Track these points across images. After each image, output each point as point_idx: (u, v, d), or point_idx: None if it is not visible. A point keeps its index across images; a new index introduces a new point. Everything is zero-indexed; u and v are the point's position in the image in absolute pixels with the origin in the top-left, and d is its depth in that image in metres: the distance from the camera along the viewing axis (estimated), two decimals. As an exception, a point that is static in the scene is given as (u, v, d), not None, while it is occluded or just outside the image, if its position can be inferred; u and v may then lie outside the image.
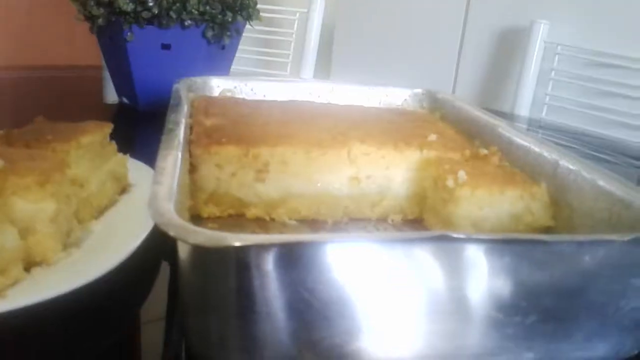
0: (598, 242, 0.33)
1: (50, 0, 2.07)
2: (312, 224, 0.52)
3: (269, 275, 0.28)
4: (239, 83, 0.71)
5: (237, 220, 0.52)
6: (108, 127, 0.48)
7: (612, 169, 0.87)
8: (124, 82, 0.88)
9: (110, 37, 0.83)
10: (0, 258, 0.33)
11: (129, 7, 0.78)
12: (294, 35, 1.68)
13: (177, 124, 0.47)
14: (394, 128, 0.59)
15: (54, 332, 0.35)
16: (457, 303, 0.32)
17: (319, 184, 0.52)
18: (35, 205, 0.37)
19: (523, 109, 1.43)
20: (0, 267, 0.33)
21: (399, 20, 1.76)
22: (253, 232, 0.50)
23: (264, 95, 0.71)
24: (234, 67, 1.53)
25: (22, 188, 0.37)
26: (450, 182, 0.48)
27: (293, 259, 0.28)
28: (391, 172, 0.54)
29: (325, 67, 1.92)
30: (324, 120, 0.59)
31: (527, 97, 1.43)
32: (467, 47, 1.65)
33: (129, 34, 0.80)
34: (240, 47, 1.60)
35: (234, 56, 0.94)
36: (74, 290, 0.34)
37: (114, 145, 0.50)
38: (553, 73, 1.43)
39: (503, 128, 0.58)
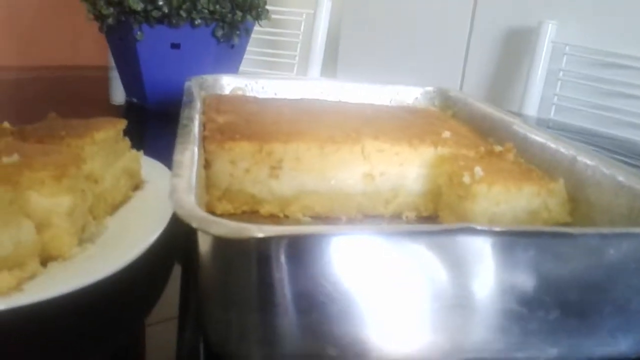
0: (623, 235, 0.32)
1: (55, 1, 2.08)
2: (326, 220, 0.52)
3: (292, 267, 0.27)
4: (250, 81, 0.71)
5: (250, 217, 0.51)
6: (121, 124, 0.48)
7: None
8: (133, 82, 0.88)
9: (120, 36, 0.83)
10: (18, 252, 0.33)
11: (139, 6, 0.78)
12: (300, 36, 1.68)
13: (191, 119, 0.47)
14: (406, 125, 0.59)
15: (69, 327, 0.34)
16: (479, 297, 0.31)
17: (332, 181, 0.52)
18: (51, 200, 0.37)
19: (531, 109, 1.43)
20: (18, 261, 0.33)
21: (405, 20, 1.75)
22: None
23: (275, 94, 0.71)
24: (240, 67, 1.53)
25: (37, 182, 0.36)
26: (466, 179, 0.48)
27: (317, 250, 0.27)
28: (405, 168, 0.53)
29: (331, 67, 1.92)
30: (336, 117, 0.59)
31: (535, 97, 1.43)
32: (474, 47, 1.65)
33: (138, 33, 0.80)
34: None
35: (243, 56, 0.93)
36: (91, 285, 0.33)
37: (127, 142, 0.49)
38: (561, 73, 1.43)
39: (517, 125, 0.58)
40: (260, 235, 0.27)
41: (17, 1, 2.01)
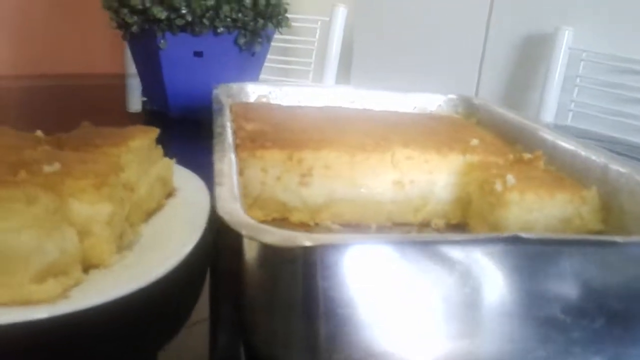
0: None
1: (68, 9, 2.10)
2: (356, 228, 0.52)
3: (341, 276, 0.28)
4: (274, 89, 0.71)
5: (281, 224, 0.51)
6: (154, 132, 0.49)
7: None
8: (155, 89, 0.89)
9: (143, 44, 0.84)
10: (62, 259, 0.33)
11: (163, 14, 0.78)
12: (315, 43, 1.69)
13: (224, 127, 0.47)
14: (433, 133, 0.59)
15: (112, 334, 0.35)
16: (523, 305, 0.31)
17: (362, 189, 0.52)
18: (92, 208, 0.37)
19: (548, 116, 1.43)
20: (62, 269, 0.33)
21: (419, 26, 1.76)
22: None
23: (299, 101, 0.71)
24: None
25: (78, 190, 0.37)
26: (498, 186, 0.48)
27: (371, 259, 0.27)
28: (434, 176, 0.53)
29: (344, 74, 1.92)
30: (363, 124, 0.59)
31: (552, 104, 1.43)
32: (489, 53, 1.65)
33: (162, 41, 0.81)
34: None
35: (263, 63, 0.94)
36: (135, 292, 0.34)
37: (160, 150, 0.50)
38: (578, 80, 1.42)
39: (545, 132, 0.58)
40: (310, 243, 0.27)
41: (28, 9, 2.03)
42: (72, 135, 0.47)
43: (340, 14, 1.63)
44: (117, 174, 0.40)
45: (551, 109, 1.42)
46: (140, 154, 0.46)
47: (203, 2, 0.79)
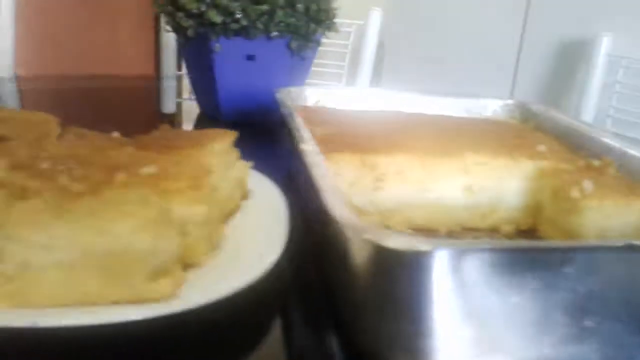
0: None
1: (95, 10, 2.12)
2: (427, 232, 0.52)
3: (459, 280, 0.28)
4: (328, 92, 0.72)
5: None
6: (233, 135, 0.49)
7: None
8: (206, 93, 0.90)
9: (197, 48, 0.85)
10: (170, 259, 0.34)
11: (219, 18, 0.79)
12: (349, 47, 1.69)
13: (301, 131, 0.48)
14: (498, 138, 0.59)
15: (217, 333, 0.35)
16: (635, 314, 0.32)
17: (433, 193, 0.52)
18: (189, 209, 0.38)
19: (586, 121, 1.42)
20: (169, 268, 0.34)
21: (453, 31, 1.75)
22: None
23: (352, 105, 0.72)
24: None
25: (176, 192, 0.38)
26: (575, 193, 0.48)
27: (497, 266, 0.28)
28: (504, 182, 0.54)
29: (375, 77, 1.93)
30: (427, 129, 0.60)
31: (590, 110, 1.42)
32: (524, 58, 1.64)
33: (216, 45, 0.82)
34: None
35: (310, 67, 0.95)
36: (239, 290, 0.34)
37: (237, 152, 0.50)
38: (617, 86, 1.41)
39: (610, 139, 0.58)
40: (429, 248, 0.27)
41: (56, 9, 2.05)
42: (154, 137, 0.47)
43: (376, 18, 1.64)
44: (207, 175, 0.40)
45: (589, 115, 1.42)
46: (221, 156, 0.47)
47: (258, 7, 0.80)
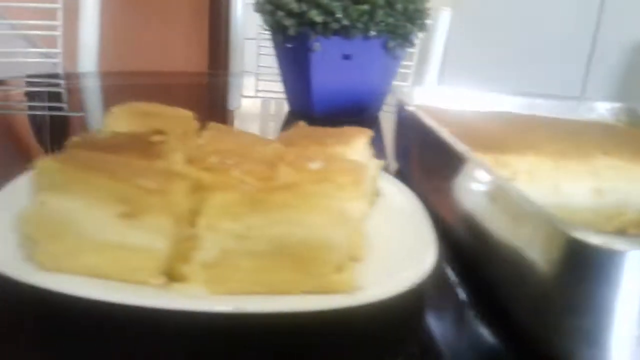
0: None
1: (152, 8, 2.17)
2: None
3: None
4: (435, 92, 0.73)
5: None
6: (369, 133, 0.50)
7: None
8: (299, 91, 0.91)
9: (296, 46, 0.86)
10: (348, 252, 0.35)
11: (320, 18, 0.81)
12: (417, 47, 1.69)
13: (440, 132, 0.49)
14: (620, 141, 0.59)
15: (387, 328, 0.36)
16: None
17: (561, 194, 0.53)
18: (354, 204, 0.39)
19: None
20: (346, 261, 0.35)
21: (518, 30, 1.73)
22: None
23: (460, 106, 0.72)
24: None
25: (341, 187, 0.39)
26: None
27: None
28: (634, 185, 0.53)
29: (440, 78, 1.92)
30: (549, 131, 0.60)
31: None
32: (597, 60, 1.61)
33: (316, 44, 0.83)
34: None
35: (399, 66, 0.95)
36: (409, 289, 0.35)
37: (371, 150, 0.51)
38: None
39: None
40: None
41: (116, 6, 2.10)
42: (296, 134, 0.49)
43: (445, 18, 1.63)
44: (365, 170, 0.41)
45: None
46: (362, 153, 0.48)
47: (359, 7, 0.81)
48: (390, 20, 0.83)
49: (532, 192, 0.52)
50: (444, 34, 1.62)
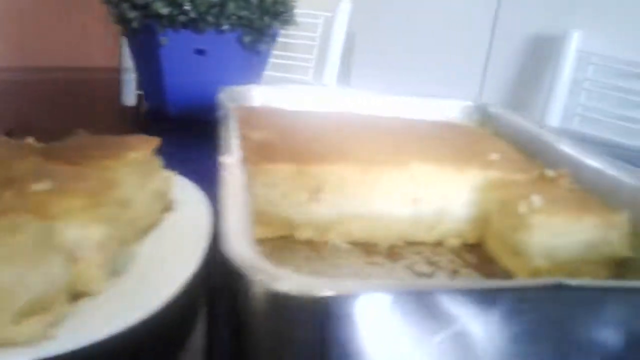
0: None
1: (59, 2, 2.05)
2: (366, 247, 0.49)
3: (363, 326, 0.24)
4: (279, 92, 0.68)
5: (287, 242, 0.48)
6: (155, 142, 0.45)
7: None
8: (154, 87, 0.85)
9: (143, 40, 0.80)
10: (46, 292, 0.30)
11: (165, 10, 0.75)
12: (317, 40, 1.65)
13: (229, 139, 0.44)
14: (449, 145, 0.56)
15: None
16: (560, 354, 0.28)
17: (375, 205, 0.49)
18: (82, 231, 0.34)
19: (553, 119, 1.39)
20: (47, 302, 0.30)
21: (423, 26, 1.72)
22: (306, 256, 0.46)
23: (304, 105, 0.68)
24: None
25: (67, 212, 0.33)
26: (522, 208, 0.45)
27: (397, 308, 0.24)
28: (451, 193, 0.50)
29: (344, 72, 1.89)
30: (375, 134, 0.56)
31: (558, 107, 1.39)
32: (495, 55, 1.61)
33: (163, 38, 0.77)
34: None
35: (266, 63, 0.90)
36: (131, 326, 0.30)
37: (159, 161, 0.46)
38: (586, 83, 1.39)
39: (567, 146, 0.55)
40: (331, 293, 0.24)
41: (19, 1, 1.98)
42: (67, 145, 0.43)
43: (344, 10, 1.59)
44: (111, 190, 0.36)
45: (557, 113, 1.39)
46: (138, 166, 0.42)
47: (207, -1, 0.75)
48: (244, 13, 0.78)
49: (341, 204, 0.49)
50: (343, 27, 1.59)
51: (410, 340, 0.25)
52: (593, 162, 0.51)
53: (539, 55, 1.53)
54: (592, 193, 0.49)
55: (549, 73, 1.45)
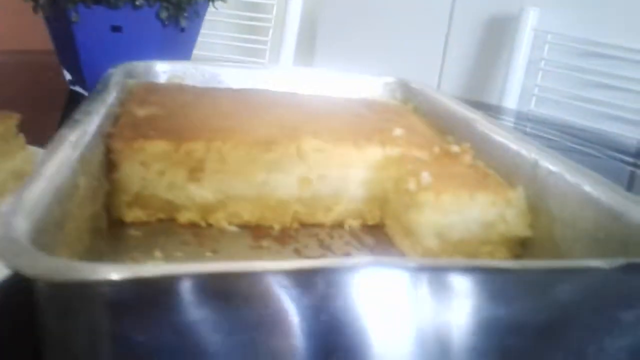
0: (578, 271, 0.26)
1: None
2: (256, 230, 0.46)
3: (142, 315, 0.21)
4: (190, 68, 0.64)
5: (166, 225, 0.45)
6: (13, 119, 0.41)
7: (601, 164, 0.81)
8: (73, 67, 0.81)
9: (55, 18, 0.76)
10: None
11: (72, -16, 0.70)
12: (272, 21, 1.60)
13: (88, 114, 0.40)
14: (357, 121, 0.53)
15: None
16: (397, 343, 0.25)
17: (263, 185, 0.45)
18: None
19: (511, 101, 1.37)
20: None
21: (385, 6, 1.68)
22: (183, 240, 0.43)
23: (218, 83, 0.64)
24: (208, 53, 1.45)
25: None
26: (411, 185, 0.42)
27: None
28: (348, 171, 0.47)
29: (308, 54, 1.85)
30: (278, 111, 0.53)
31: (515, 88, 1.37)
32: (454, 35, 1.58)
33: (73, 14, 0.73)
34: (215, 32, 1.53)
35: (195, 41, 0.86)
36: None
37: (21, 139, 0.42)
38: (543, 63, 1.37)
39: (479, 122, 0.52)
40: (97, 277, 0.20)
41: None
42: None
43: (300, -11, 1.55)
44: None
45: (514, 94, 1.36)
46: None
47: (118, -29, 0.71)
48: (160, -13, 0.74)
49: (226, 183, 0.45)
50: (298, 6, 1.54)
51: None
52: (497, 136, 0.48)
53: (497, 35, 1.50)
54: (496, 169, 0.46)
55: (506, 53, 1.42)
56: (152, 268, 0.22)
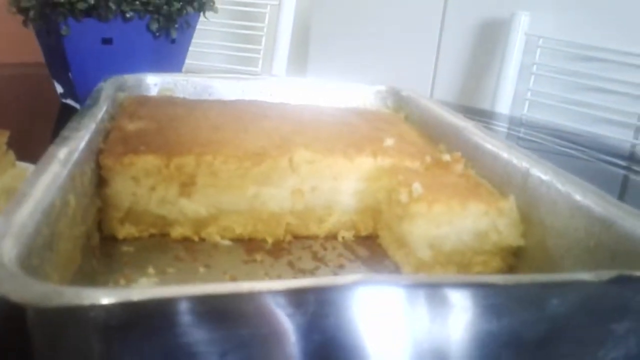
0: (569, 284, 0.26)
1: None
2: (249, 243, 0.45)
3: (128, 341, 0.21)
4: (181, 80, 0.64)
5: (159, 241, 0.44)
6: (3, 136, 0.41)
7: (594, 168, 0.81)
8: (64, 80, 0.81)
9: (46, 31, 0.76)
10: None
11: (62, -3, 0.70)
12: (265, 29, 1.60)
13: (78, 130, 0.40)
14: (348, 131, 0.53)
15: None
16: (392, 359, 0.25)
17: (255, 199, 0.45)
18: None
19: (503, 106, 1.37)
20: None
21: (377, 14, 1.68)
22: (176, 255, 0.42)
23: (209, 94, 0.64)
24: (200, 62, 1.45)
25: None
26: (403, 196, 0.42)
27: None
28: (340, 182, 0.47)
29: (301, 63, 1.85)
30: (268, 122, 0.53)
31: (507, 93, 1.37)
32: (446, 41, 1.59)
33: (64, 27, 0.72)
34: (207, 42, 1.53)
35: (186, 51, 0.86)
36: None
37: (11, 156, 0.42)
38: (535, 67, 1.37)
39: (469, 130, 0.52)
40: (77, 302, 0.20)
41: None
42: None
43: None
44: None
45: (507, 98, 1.37)
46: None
47: (108, -16, 0.71)
48: (149, -2, 0.74)
49: (218, 198, 0.45)
50: (290, 15, 1.54)
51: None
52: (489, 145, 0.48)
53: (489, 40, 1.50)
54: (487, 178, 0.46)
55: (498, 58, 1.42)
56: (142, 291, 0.22)
